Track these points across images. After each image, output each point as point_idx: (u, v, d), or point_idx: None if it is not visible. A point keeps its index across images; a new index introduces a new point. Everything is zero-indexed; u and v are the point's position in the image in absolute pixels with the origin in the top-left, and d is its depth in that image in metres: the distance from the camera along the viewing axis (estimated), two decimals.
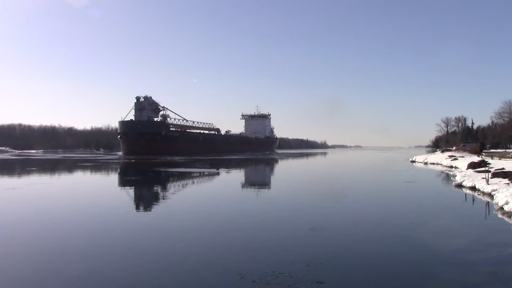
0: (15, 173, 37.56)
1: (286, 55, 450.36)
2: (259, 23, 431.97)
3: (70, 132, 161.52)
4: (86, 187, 25.13)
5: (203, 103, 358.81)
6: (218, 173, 36.90)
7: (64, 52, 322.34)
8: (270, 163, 61.85)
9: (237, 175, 37.30)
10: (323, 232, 11.38)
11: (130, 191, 23.76)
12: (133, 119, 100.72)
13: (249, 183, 30.23)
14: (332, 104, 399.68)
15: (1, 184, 25.26)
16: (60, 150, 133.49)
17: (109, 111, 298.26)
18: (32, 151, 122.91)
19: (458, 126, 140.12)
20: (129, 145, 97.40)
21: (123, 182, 29.88)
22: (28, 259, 8.76)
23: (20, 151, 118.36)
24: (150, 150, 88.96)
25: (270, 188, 26.58)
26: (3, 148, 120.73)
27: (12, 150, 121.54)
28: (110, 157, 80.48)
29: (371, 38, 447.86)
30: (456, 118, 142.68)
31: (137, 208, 17.27)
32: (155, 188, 25.39)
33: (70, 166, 49.37)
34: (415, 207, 16.97)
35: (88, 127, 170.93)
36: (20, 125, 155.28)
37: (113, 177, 35.83)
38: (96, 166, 49.18)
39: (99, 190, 23.80)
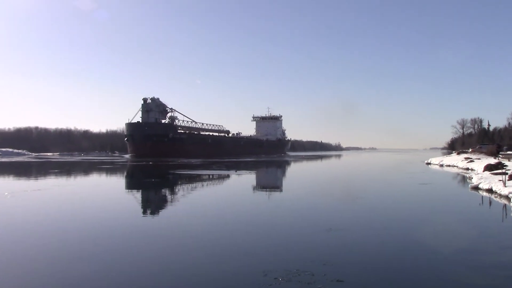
0: (38, 175, 38.38)
1: (299, 56, 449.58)
2: (271, 23, 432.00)
3: (86, 135, 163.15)
4: (108, 190, 25.71)
5: (213, 105, 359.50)
6: (229, 176, 37.12)
7: (77, 55, 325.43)
8: (282, 166, 61.91)
9: (251, 178, 37.49)
10: (341, 233, 11.59)
11: (149, 194, 24.19)
12: (140, 121, 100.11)
13: (265, 185, 30.48)
14: (347, 105, 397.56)
15: (29, 186, 25.92)
16: (76, 152, 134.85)
17: (123, 114, 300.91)
18: (48, 153, 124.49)
19: (474, 128, 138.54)
20: (135, 148, 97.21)
21: (142, 185, 30.30)
22: (57, 258, 9.12)
23: (37, 154, 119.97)
24: (157, 152, 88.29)
25: (286, 190, 26.80)
26: (20, 150, 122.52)
27: (29, 152, 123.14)
28: (121, 159, 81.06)
29: (386, 38, 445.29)
30: (472, 120, 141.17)
31: (161, 209, 17.59)
32: (176, 190, 25.63)
33: (89, 168, 50.27)
34: (431, 209, 17.05)
35: (103, 130, 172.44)
36: (36, 128, 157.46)
37: (132, 180, 36.32)
38: (115, 168, 49.87)
39: (121, 193, 24.33)
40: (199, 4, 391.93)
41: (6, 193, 20.31)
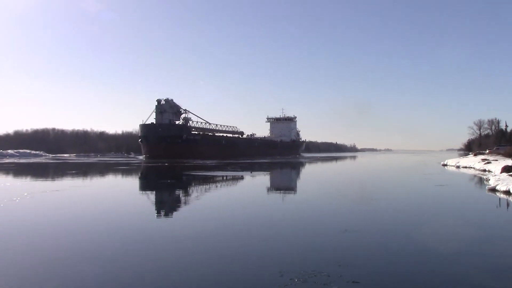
0: (56, 176, 39.03)
1: (314, 56, 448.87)
2: (285, 25, 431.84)
3: (102, 136, 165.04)
4: (125, 191, 26.07)
5: (227, 107, 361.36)
6: (244, 177, 37.21)
7: (91, 57, 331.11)
8: (297, 167, 61.82)
9: (266, 179, 37.53)
10: (357, 234, 11.59)
11: (165, 195, 24.42)
12: (154, 123, 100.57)
13: (280, 187, 30.53)
14: (362, 106, 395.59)
15: (47, 187, 26.35)
16: (92, 154, 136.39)
17: (139, 115, 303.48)
18: (65, 155, 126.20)
19: (491, 129, 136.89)
20: (149, 149, 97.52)
21: (159, 186, 30.57)
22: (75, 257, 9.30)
23: (54, 155, 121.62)
24: (171, 153, 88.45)
25: (301, 191, 26.81)
26: (37, 152, 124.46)
27: (46, 154, 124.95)
28: (135, 161, 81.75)
29: (402, 38, 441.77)
30: (489, 121, 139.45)
31: (177, 210, 17.77)
32: (192, 192, 25.80)
33: (105, 169, 50.93)
34: (448, 211, 16.92)
35: (119, 131, 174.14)
36: (53, 129, 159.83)
37: (148, 181, 36.67)
38: (131, 169, 50.42)
39: (138, 194, 24.64)
40: (208, 4, 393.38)
41: (25, 194, 20.68)
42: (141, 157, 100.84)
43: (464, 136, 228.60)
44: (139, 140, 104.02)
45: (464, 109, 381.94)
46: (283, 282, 7.28)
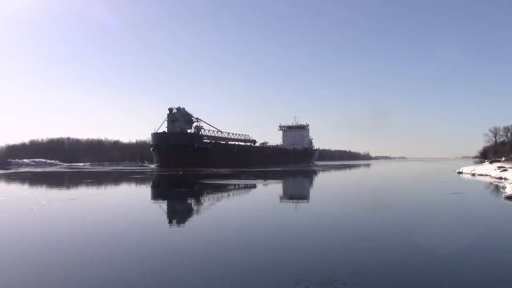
0: (72, 184, 39.49)
1: (327, 64, 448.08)
2: (297, 31, 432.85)
3: (116, 145, 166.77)
4: (141, 199, 26.36)
5: (240, 115, 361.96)
6: (257, 186, 37.26)
7: (103, 65, 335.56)
8: (310, 175, 61.61)
9: (279, 187, 37.53)
10: (372, 243, 11.55)
11: (180, 203, 24.59)
12: (166, 131, 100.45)
13: (294, 195, 30.54)
14: (376, 114, 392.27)
15: (64, 195, 26.71)
16: (107, 162, 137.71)
17: (152, 124, 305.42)
18: (80, 164, 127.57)
19: (507, 136, 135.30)
20: (161, 158, 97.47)
21: (174, 194, 30.77)
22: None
23: (69, 164, 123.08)
24: (183, 162, 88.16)
25: (315, 200, 26.71)
26: (52, 161, 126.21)
27: (61, 163, 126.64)
28: (147, 169, 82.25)
29: (416, 45, 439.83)
30: (505, 128, 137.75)
31: (193, 218, 17.87)
32: (207, 200, 25.87)
33: (120, 178, 51.53)
34: (465, 219, 16.76)
35: (133, 140, 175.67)
36: (68, 138, 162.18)
37: (163, 189, 36.93)
38: (145, 178, 50.80)
39: (153, 203, 24.92)
40: (220, 11, 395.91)
41: (43, 202, 20.99)
42: (152, 166, 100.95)
43: (480, 143, 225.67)
44: (151, 149, 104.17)
45: (479, 116, 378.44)
46: None
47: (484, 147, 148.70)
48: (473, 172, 55.05)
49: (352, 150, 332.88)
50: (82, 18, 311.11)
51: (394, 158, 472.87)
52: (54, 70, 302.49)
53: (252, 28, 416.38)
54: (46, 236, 12.69)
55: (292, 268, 8.98)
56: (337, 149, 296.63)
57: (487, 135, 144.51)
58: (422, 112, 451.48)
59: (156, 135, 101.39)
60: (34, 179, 47.29)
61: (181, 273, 8.69)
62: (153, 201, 26.13)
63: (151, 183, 43.24)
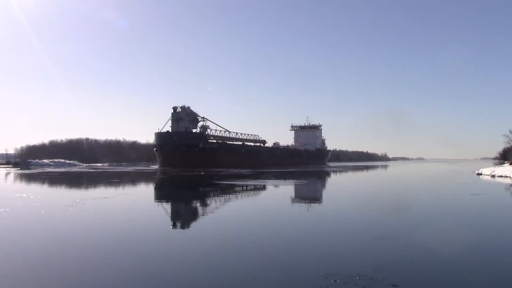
0: (100, 184, 40.57)
1: (341, 62, 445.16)
2: (308, 31, 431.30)
3: (134, 146, 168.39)
4: (166, 197, 26.94)
5: (251, 115, 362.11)
6: (277, 186, 37.46)
7: (118, 67, 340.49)
8: (323, 177, 61.25)
9: (297, 188, 37.75)
10: (395, 241, 11.80)
11: (199, 203, 25.03)
12: (170, 131, 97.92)
13: (312, 197, 30.76)
14: (393, 114, 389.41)
15: (96, 194, 27.67)
16: (124, 163, 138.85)
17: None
18: (98, 164, 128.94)
19: None
20: (164, 158, 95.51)
21: (195, 194, 31.25)
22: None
23: (87, 164, 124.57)
24: (187, 163, 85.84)
25: (334, 200, 26.85)
26: (71, 161, 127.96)
27: (80, 163, 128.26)
28: (148, 169, 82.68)
29: (434, 45, 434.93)
30: None
31: (213, 218, 18.20)
32: (227, 200, 26.11)
33: (143, 177, 53.19)
34: (483, 219, 16.86)
35: (151, 141, 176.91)
36: (87, 139, 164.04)
37: (181, 189, 37.47)
38: (167, 178, 51.66)
39: (177, 200, 25.66)
40: (230, 13, 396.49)
41: (78, 200, 21.78)
42: (155, 167, 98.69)
43: (499, 144, 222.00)
44: (154, 149, 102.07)
45: (499, 117, 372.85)
46: (325, 283, 7.71)
47: (504, 148, 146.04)
48: (492, 173, 54.49)
49: (369, 151, 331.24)
50: (92, 21, 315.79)
51: (412, 159, 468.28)
52: (72, 72, 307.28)
53: (264, 27, 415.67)
54: (89, 230, 13.21)
55: (320, 263, 9.35)
56: (353, 150, 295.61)
57: (507, 136, 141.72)
58: (441, 113, 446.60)
59: (159, 135, 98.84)
60: (63, 180, 48.03)
61: (208, 272, 9.06)
62: (174, 199, 26.61)
63: (168, 183, 43.94)
